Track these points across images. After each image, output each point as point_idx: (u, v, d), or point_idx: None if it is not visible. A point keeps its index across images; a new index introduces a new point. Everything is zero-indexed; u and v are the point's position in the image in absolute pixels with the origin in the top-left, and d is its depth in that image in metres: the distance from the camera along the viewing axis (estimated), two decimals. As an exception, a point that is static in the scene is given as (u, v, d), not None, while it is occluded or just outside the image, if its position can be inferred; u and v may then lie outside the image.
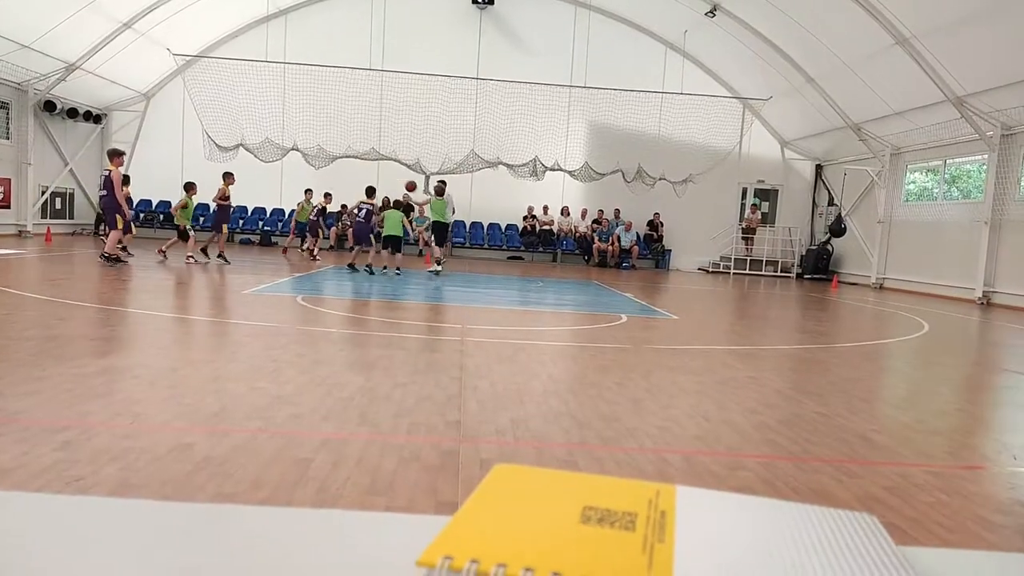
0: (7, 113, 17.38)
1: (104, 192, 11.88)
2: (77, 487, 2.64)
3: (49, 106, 17.96)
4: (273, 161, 19.21)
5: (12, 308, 7.09)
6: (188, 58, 19.44)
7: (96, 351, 5.20)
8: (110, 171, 11.75)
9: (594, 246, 20.96)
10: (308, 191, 16.91)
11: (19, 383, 4.11)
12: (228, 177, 14.04)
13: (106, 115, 20.81)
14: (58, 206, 19.71)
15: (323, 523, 0.50)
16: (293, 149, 19.11)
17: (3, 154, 17.24)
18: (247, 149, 18.74)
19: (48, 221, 18.70)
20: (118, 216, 11.68)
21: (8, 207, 17.46)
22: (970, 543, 2.75)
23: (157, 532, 0.48)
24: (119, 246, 12.16)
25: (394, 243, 13.76)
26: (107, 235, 11.96)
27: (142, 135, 21.15)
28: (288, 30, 20.62)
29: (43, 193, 18.74)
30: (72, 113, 18.98)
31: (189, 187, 13.44)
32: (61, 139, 19.19)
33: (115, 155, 11.94)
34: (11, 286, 8.63)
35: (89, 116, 19.79)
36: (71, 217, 20.30)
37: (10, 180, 17.43)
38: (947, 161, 16.90)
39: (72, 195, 20.30)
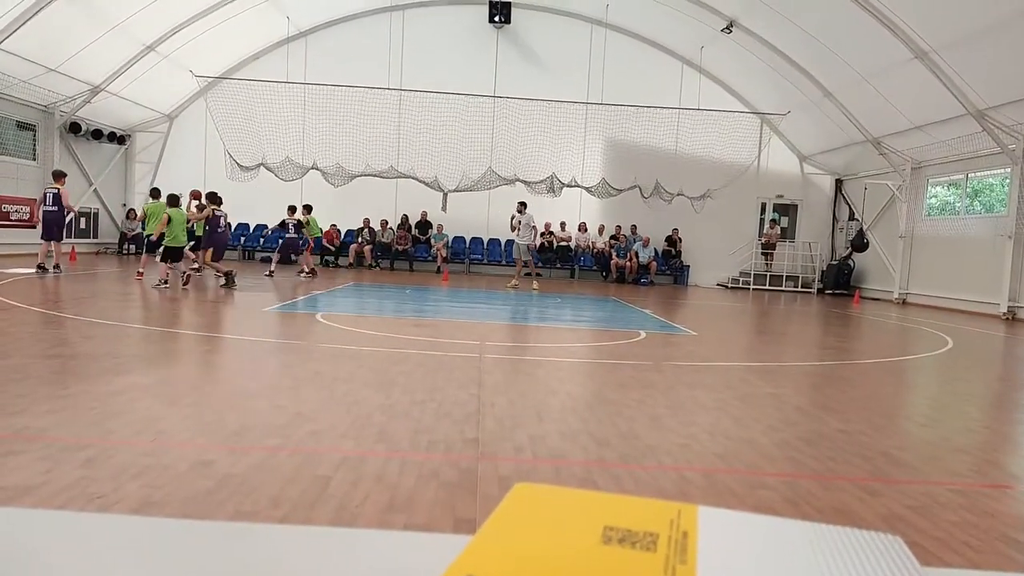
0: (34, 135, 17.72)
1: (55, 208, 12.97)
2: (99, 504, 2.66)
3: (74, 127, 18.30)
4: (293, 180, 19.41)
5: (38, 327, 7.20)
6: (210, 80, 19.75)
7: (118, 369, 5.25)
8: (58, 189, 12.99)
9: (612, 262, 20.92)
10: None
11: (44, 400, 4.16)
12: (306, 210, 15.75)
13: (130, 136, 21.17)
14: (83, 226, 20.00)
15: (342, 542, 0.50)
16: (313, 168, 19.30)
17: (29, 175, 17.56)
18: (268, 168, 18.97)
19: (73, 240, 18.97)
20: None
21: (34, 227, 17.72)
22: (998, 564, 2.69)
23: (177, 551, 0.48)
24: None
25: (173, 254, 11.76)
26: (53, 248, 13.15)
27: (165, 155, 21.51)
28: (308, 51, 20.91)
29: (68, 213, 19.04)
30: (97, 134, 19.33)
31: (156, 193, 13.79)
32: (86, 160, 19.52)
33: (60, 176, 13.28)
34: (36, 305, 8.76)
35: (113, 137, 20.15)
36: (95, 236, 20.62)
37: (36, 200, 17.72)
38: (969, 175, 16.73)
39: (96, 215, 20.62)
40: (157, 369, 5.63)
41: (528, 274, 16.52)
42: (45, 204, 13.16)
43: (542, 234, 21.48)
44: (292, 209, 15.40)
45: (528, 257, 16.24)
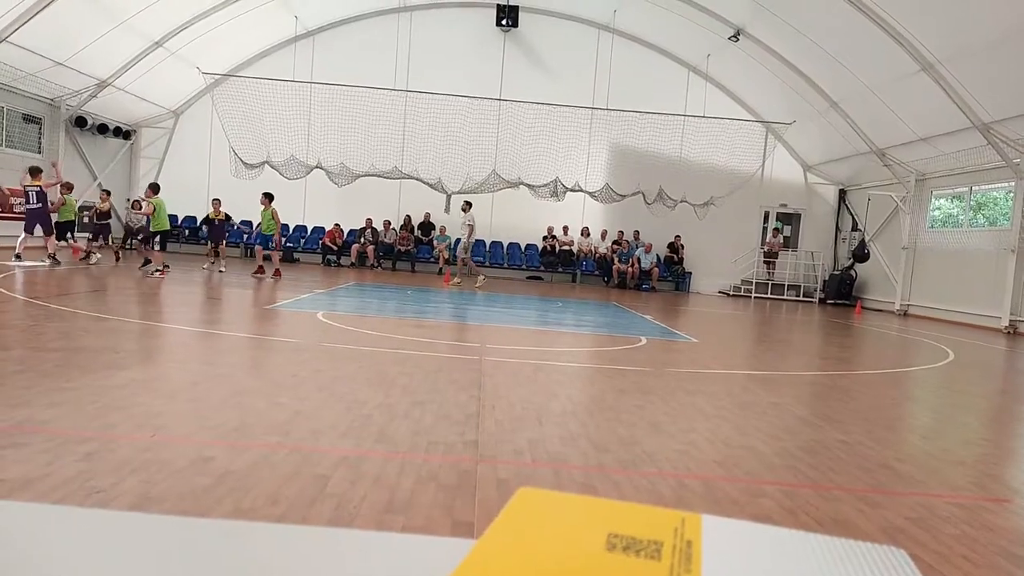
0: (39, 128, 17.75)
1: (39, 205, 13.23)
2: (98, 499, 2.66)
3: (80, 122, 18.34)
4: (297, 178, 19.44)
5: (40, 320, 7.20)
6: (217, 77, 19.79)
7: (120, 363, 5.26)
8: (40, 186, 13.20)
9: (614, 267, 20.92)
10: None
11: (46, 393, 4.16)
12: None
13: (135, 131, 21.20)
14: (86, 220, 20.00)
15: (340, 543, 0.50)
16: (317, 167, 19.33)
17: (34, 168, 17.57)
18: (272, 166, 18.99)
19: (76, 234, 18.96)
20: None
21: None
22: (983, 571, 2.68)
23: (174, 548, 0.48)
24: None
25: None
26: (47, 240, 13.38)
27: (170, 151, 21.54)
28: (315, 50, 20.95)
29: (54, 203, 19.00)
30: (102, 129, 19.36)
31: (156, 188, 13.82)
32: (91, 154, 19.54)
33: (37, 172, 13.40)
34: (39, 298, 8.77)
35: (119, 132, 20.17)
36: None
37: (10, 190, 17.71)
38: (973, 188, 16.72)
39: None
40: (157, 364, 5.63)
41: (467, 272, 16.82)
42: (29, 203, 13.34)
43: (544, 237, 21.52)
44: (217, 202, 15.48)
45: (465, 255, 16.43)
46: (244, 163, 18.78)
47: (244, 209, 19.87)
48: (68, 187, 14.40)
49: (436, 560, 0.45)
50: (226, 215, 15.88)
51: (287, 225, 21.13)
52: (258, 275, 14.08)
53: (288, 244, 20.62)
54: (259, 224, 14.64)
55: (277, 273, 14.19)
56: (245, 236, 18.78)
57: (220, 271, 14.32)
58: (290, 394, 4.70)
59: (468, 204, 16.30)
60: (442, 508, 2.87)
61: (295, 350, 6.75)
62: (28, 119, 17.36)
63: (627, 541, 0.39)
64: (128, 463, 3.06)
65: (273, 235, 14.42)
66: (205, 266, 15.09)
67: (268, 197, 14.19)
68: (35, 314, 7.52)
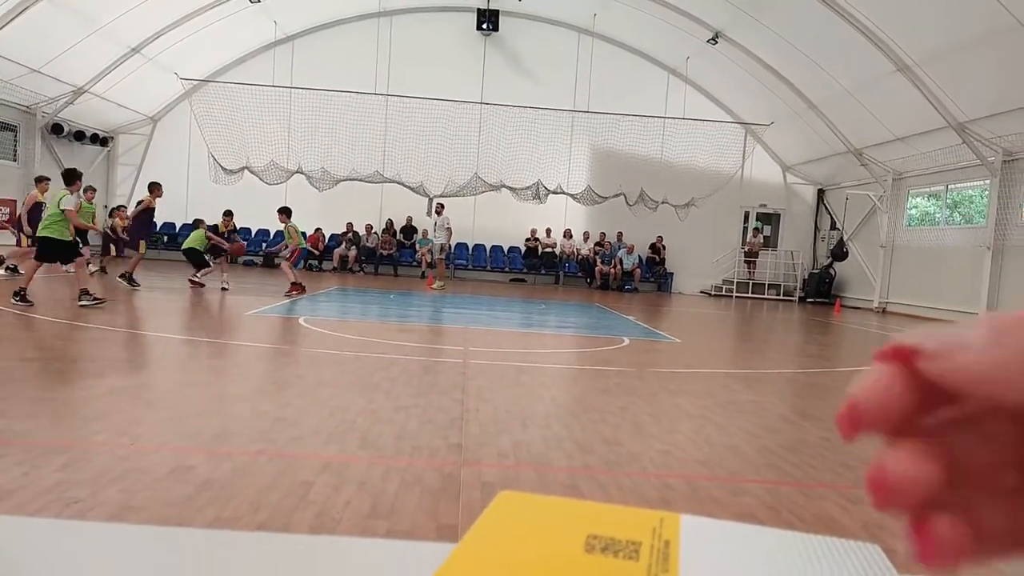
0: (15, 136, 17.52)
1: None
2: (76, 509, 2.63)
3: (56, 129, 18.12)
4: (278, 184, 19.31)
5: (17, 329, 7.11)
6: (195, 82, 19.63)
7: (99, 372, 5.20)
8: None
9: (596, 269, 20.98)
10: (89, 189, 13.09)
11: (23, 403, 4.11)
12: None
13: (113, 138, 20.98)
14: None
15: (324, 549, 0.50)
16: (297, 172, 19.22)
17: (9, 176, 17.35)
18: (252, 172, 18.86)
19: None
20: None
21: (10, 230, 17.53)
22: (979, 572, 2.72)
23: (154, 558, 0.48)
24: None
25: None
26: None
27: (148, 158, 21.33)
28: (295, 55, 20.85)
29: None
30: (79, 136, 19.14)
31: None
32: (68, 161, 19.23)
33: (40, 180, 13.74)
34: (16, 307, 8.65)
35: (96, 139, 19.96)
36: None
37: (15, 201, 17.49)
38: (949, 186, 16.94)
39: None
40: (138, 372, 5.57)
41: (449, 274, 16.92)
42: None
43: (527, 240, 21.54)
44: (228, 214, 13.81)
45: (440, 256, 16.48)
46: (223, 168, 18.63)
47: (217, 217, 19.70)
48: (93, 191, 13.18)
49: (420, 564, 0.45)
50: (235, 227, 14.01)
51: (267, 231, 21.00)
52: (294, 292, 12.26)
53: (269, 250, 20.43)
54: (286, 240, 12.90)
55: (295, 288, 12.44)
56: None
57: (201, 285, 12.65)
58: (272, 400, 4.67)
59: (442, 206, 16.32)
60: (427, 512, 2.87)
61: (277, 356, 6.71)
62: (3, 127, 17.15)
63: (606, 542, 0.39)
64: (107, 472, 3.03)
65: (306, 248, 12.73)
66: (224, 286, 12.56)
67: (285, 213, 12.51)
68: (12, 323, 7.42)
